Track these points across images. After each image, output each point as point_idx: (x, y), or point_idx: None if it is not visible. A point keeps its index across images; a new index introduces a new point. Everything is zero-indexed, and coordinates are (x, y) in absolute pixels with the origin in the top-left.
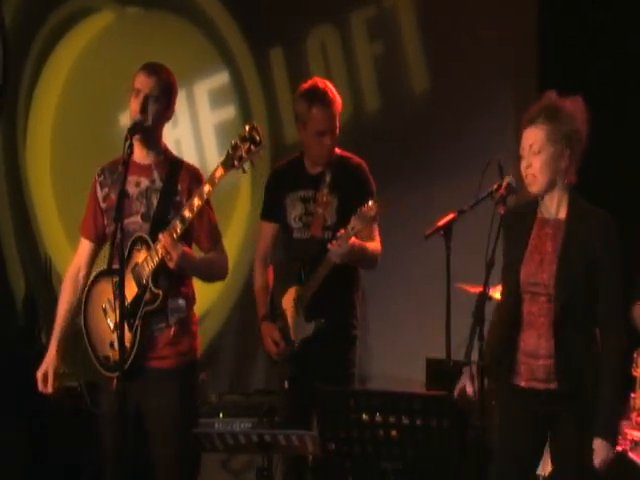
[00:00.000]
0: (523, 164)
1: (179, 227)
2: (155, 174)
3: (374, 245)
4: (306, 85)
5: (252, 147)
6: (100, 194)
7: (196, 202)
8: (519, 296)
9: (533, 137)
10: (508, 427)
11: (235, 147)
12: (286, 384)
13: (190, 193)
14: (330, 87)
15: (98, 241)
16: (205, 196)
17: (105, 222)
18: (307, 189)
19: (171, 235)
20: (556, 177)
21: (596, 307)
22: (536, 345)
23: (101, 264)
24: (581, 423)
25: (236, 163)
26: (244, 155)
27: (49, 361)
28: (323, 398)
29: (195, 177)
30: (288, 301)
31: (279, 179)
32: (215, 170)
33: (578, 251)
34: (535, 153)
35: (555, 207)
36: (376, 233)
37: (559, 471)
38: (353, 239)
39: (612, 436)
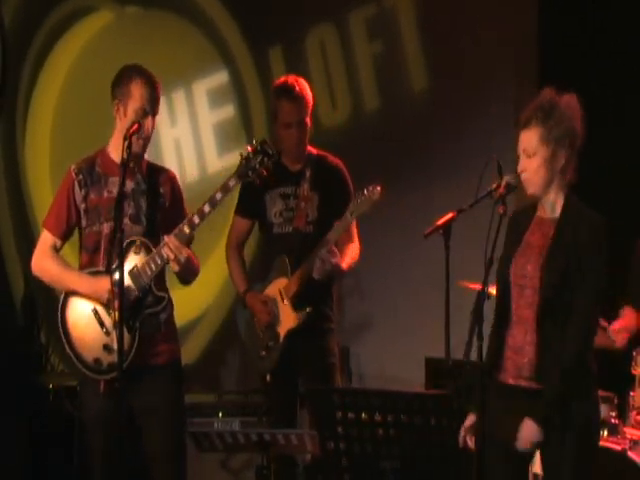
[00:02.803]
0: (518, 167)
1: (187, 232)
2: (139, 177)
3: (353, 251)
4: (278, 81)
5: (265, 159)
6: (79, 194)
7: (207, 209)
8: (508, 290)
9: (526, 140)
10: (494, 425)
11: (248, 159)
12: (268, 377)
13: (172, 196)
14: (301, 83)
15: (65, 239)
16: (217, 204)
17: (84, 223)
18: (287, 186)
19: (179, 239)
20: (553, 177)
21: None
22: (522, 341)
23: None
24: (564, 423)
25: (250, 174)
26: (257, 166)
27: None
28: (315, 397)
29: (174, 181)
30: (273, 293)
31: None
32: (229, 179)
33: (565, 248)
34: (529, 156)
35: (551, 206)
36: (355, 232)
37: (549, 473)
38: (338, 262)
39: (544, 422)
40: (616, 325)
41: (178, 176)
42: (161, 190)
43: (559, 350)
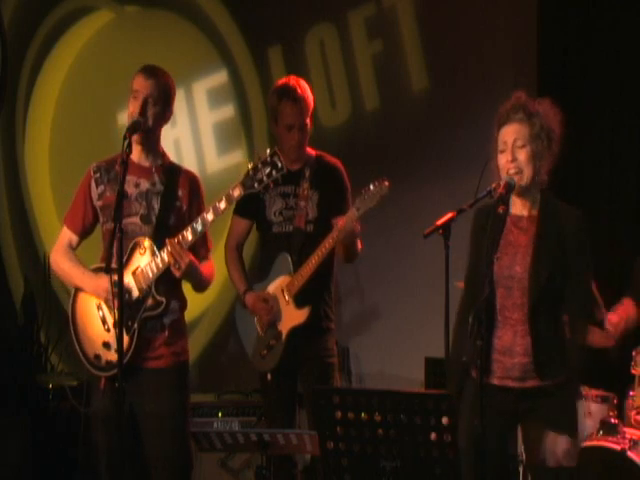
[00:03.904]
0: (506, 158)
1: (189, 238)
2: (155, 177)
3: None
4: (279, 82)
5: (273, 172)
6: (95, 191)
7: (210, 217)
8: (493, 291)
9: (517, 132)
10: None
11: (255, 169)
12: (269, 376)
13: (190, 199)
14: (302, 84)
15: (82, 235)
16: (220, 212)
17: (101, 220)
18: (287, 185)
19: (180, 244)
20: (538, 172)
21: (568, 299)
22: (512, 342)
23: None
24: (552, 421)
25: (256, 185)
26: (264, 179)
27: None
28: (315, 397)
29: (194, 184)
30: (276, 291)
31: None
32: (233, 188)
33: (552, 245)
34: (520, 147)
35: (529, 204)
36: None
37: (533, 469)
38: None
39: (576, 431)
40: (614, 317)
41: None
42: (179, 192)
43: (559, 346)
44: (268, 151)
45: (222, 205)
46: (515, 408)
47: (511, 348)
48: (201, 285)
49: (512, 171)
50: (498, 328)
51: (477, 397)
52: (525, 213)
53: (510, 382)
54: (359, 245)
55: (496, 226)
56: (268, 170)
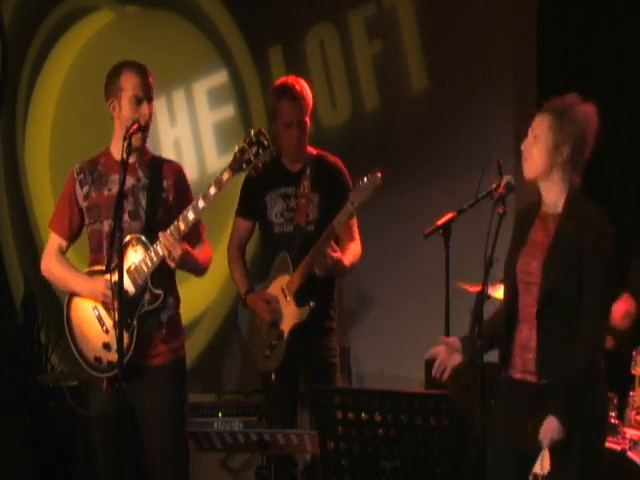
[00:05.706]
0: (524, 144)
1: (182, 228)
2: (139, 172)
3: (355, 249)
4: (278, 82)
5: (260, 151)
6: (80, 193)
7: (201, 204)
8: (516, 288)
9: (538, 123)
10: (503, 420)
11: (242, 151)
12: (273, 376)
13: (176, 189)
14: (301, 83)
15: (70, 239)
16: (211, 199)
17: (86, 221)
18: (287, 186)
19: (173, 235)
20: (551, 169)
21: (579, 305)
22: (528, 337)
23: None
24: (570, 422)
25: (244, 166)
26: (252, 159)
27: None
28: (316, 397)
29: (178, 173)
30: (276, 291)
31: (259, 178)
32: (222, 173)
33: (568, 244)
34: (534, 137)
35: (554, 202)
36: (356, 231)
37: (557, 470)
38: (339, 256)
39: (566, 420)
40: (617, 312)
41: None
42: (164, 184)
43: (564, 348)
44: (253, 131)
45: (212, 191)
46: (538, 403)
47: (527, 343)
48: (198, 270)
49: (524, 158)
50: (519, 322)
51: (506, 397)
52: (551, 211)
53: (529, 376)
54: (352, 263)
55: (522, 224)
56: (255, 149)
